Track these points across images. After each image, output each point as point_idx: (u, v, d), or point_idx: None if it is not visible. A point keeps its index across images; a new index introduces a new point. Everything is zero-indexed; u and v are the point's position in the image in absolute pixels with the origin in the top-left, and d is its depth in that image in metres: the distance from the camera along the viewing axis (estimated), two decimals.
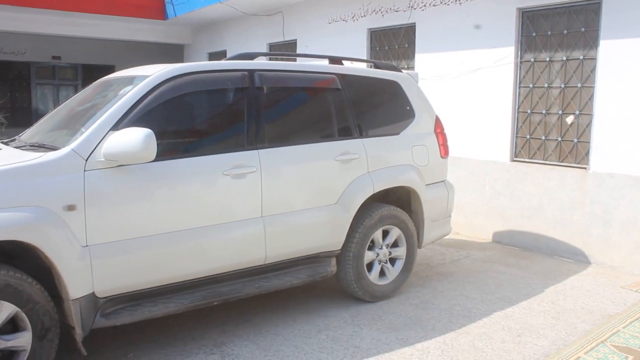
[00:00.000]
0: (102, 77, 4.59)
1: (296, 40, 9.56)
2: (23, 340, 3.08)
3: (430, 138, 5.04)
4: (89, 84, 4.59)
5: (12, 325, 3.09)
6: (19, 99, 14.96)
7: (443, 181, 5.19)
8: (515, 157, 6.52)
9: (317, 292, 4.87)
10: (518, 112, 6.45)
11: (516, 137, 6.49)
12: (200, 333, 4.01)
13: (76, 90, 15.30)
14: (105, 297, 3.34)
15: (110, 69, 14.69)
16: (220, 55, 11.78)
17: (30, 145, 3.67)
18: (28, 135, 4.17)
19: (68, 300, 3.18)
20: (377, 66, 5.11)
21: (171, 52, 14.02)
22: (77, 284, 3.18)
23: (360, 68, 5.01)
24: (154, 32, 12.81)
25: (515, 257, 6.01)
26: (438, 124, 5.16)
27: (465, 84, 6.88)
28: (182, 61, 11.41)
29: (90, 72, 15.13)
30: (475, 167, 6.82)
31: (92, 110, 3.77)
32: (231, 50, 11.34)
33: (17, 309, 3.04)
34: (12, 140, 4.16)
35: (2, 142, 4.14)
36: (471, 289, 4.98)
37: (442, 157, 5.11)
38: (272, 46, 10.29)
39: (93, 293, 3.27)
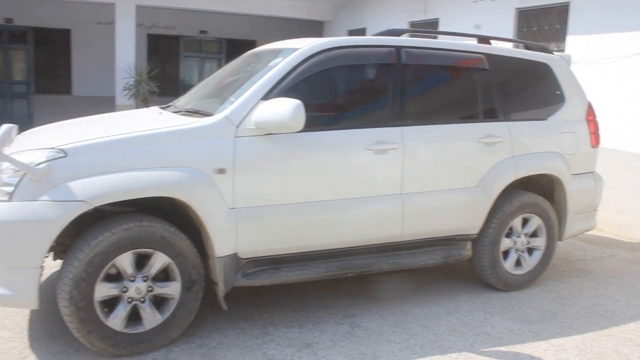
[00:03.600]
0: (243, 51, 4.78)
1: (438, 19, 9.35)
2: (173, 289, 3.35)
3: (581, 125, 4.74)
4: (232, 57, 4.79)
5: (165, 275, 3.35)
6: (168, 70, 16.00)
7: (591, 172, 4.87)
8: None
9: (448, 275, 4.80)
10: None
11: None
12: (330, 303, 4.11)
13: (219, 64, 16.06)
14: (247, 258, 3.52)
15: (252, 44, 15.25)
16: (359, 32, 11.79)
17: (186, 111, 3.92)
18: (183, 101, 4.45)
19: (214, 257, 3.39)
20: (527, 47, 4.86)
21: (310, 29, 14.26)
22: (223, 243, 3.38)
23: (509, 48, 4.81)
24: (296, 8, 13.10)
25: None
26: (590, 110, 4.83)
27: (624, 69, 6.33)
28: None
29: (233, 47, 15.82)
30: (629, 160, 6.30)
31: (243, 80, 3.95)
32: (371, 27, 11.32)
33: (170, 260, 3.30)
34: (168, 106, 4.46)
35: (160, 107, 4.47)
36: (615, 290, 4.65)
37: (592, 146, 4.80)
38: (412, 24, 10.13)
39: (236, 253, 3.46)
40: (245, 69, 4.29)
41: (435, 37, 7.86)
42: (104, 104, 12.50)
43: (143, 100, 11.81)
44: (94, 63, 14.50)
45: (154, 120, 3.77)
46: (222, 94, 4.04)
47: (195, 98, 4.38)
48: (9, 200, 3.03)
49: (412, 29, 4.13)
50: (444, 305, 4.18)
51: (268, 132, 3.43)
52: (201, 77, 16.02)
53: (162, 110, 4.20)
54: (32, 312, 3.79)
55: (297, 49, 3.74)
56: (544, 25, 7.47)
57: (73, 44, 14.65)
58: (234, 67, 4.57)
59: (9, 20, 13.89)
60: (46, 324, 3.62)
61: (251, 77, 3.84)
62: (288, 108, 3.27)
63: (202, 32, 15.87)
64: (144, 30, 14.91)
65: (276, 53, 4.01)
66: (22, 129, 3.67)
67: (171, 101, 4.66)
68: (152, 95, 12.02)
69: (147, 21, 14.87)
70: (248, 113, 3.44)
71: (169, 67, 16.04)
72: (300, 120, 3.31)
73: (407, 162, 3.87)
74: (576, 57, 6.56)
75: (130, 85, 11.79)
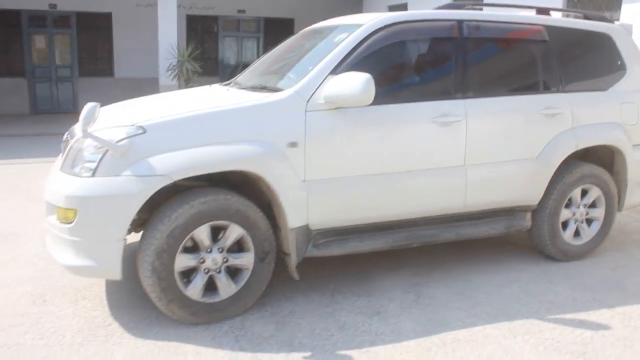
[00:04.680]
0: (281, 30, 4.84)
1: None
2: (246, 260, 3.48)
3: None
4: (270, 36, 4.86)
5: (239, 246, 3.49)
6: (208, 50, 16.17)
7: None
8: None
9: (507, 246, 4.85)
10: None
11: None
12: (395, 273, 4.21)
13: (258, 43, 16.15)
14: (318, 230, 3.63)
15: (290, 23, 15.28)
16: (400, 8, 11.72)
17: (252, 87, 4.02)
18: (244, 78, 4.55)
19: (286, 229, 3.51)
20: (587, 17, 4.81)
21: (349, 6, 14.21)
22: (295, 214, 3.49)
23: (568, 19, 4.75)
24: None
25: None
26: None
27: None
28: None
29: (271, 25, 15.85)
30: None
31: (306, 56, 4.03)
32: (412, 3, 11.25)
33: (244, 232, 3.42)
34: (228, 84, 4.57)
35: (222, 85, 4.58)
36: None
37: None
38: None
39: (307, 225, 3.57)
40: (305, 45, 4.36)
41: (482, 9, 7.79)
42: (147, 85, 12.75)
43: (186, 80, 11.99)
44: (134, 45, 14.76)
45: (224, 96, 3.88)
46: (286, 70, 4.13)
47: (256, 75, 4.47)
48: (92, 176, 3.19)
49: (471, 1, 4.08)
50: (506, 274, 4.24)
51: (338, 106, 3.51)
52: (240, 57, 16.13)
53: (228, 87, 4.31)
54: (108, 283, 3.97)
55: (362, 25, 3.79)
56: None
57: (114, 27, 14.91)
58: (292, 44, 4.64)
59: (53, 6, 14.20)
60: (123, 295, 3.80)
61: (315, 53, 3.92)
62: (359, 82, 3.33)
63: (240, 11, 15.94)
64: (183, 11, 15.06)
65: (336, 29, 4.07)
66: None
67: (212, 81, 4.77)
68: (195, 75, 12.19)
69: (186, 2, 15.02)
70: (317, 88, 3.52)
71: (208, 47, 16.20)
72: (371, 93, 3.37)
73: (470, 134, 3.92)
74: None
75: (174, 65, 11.97)
